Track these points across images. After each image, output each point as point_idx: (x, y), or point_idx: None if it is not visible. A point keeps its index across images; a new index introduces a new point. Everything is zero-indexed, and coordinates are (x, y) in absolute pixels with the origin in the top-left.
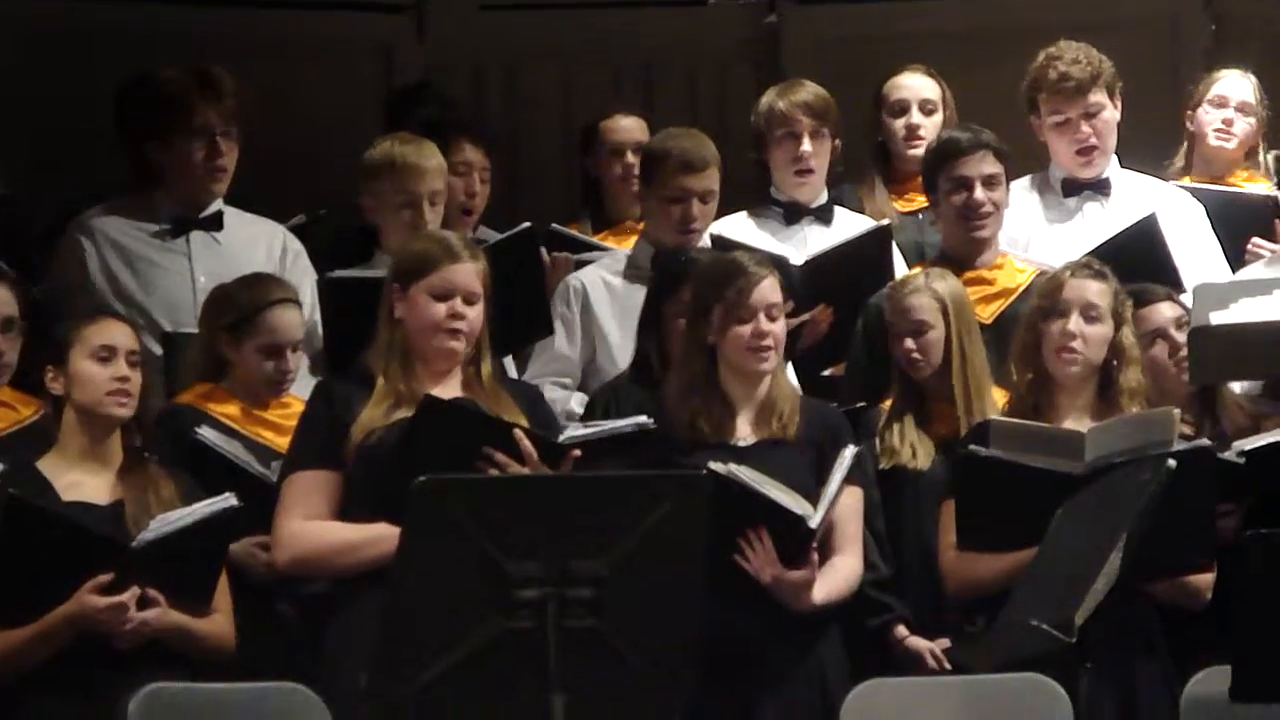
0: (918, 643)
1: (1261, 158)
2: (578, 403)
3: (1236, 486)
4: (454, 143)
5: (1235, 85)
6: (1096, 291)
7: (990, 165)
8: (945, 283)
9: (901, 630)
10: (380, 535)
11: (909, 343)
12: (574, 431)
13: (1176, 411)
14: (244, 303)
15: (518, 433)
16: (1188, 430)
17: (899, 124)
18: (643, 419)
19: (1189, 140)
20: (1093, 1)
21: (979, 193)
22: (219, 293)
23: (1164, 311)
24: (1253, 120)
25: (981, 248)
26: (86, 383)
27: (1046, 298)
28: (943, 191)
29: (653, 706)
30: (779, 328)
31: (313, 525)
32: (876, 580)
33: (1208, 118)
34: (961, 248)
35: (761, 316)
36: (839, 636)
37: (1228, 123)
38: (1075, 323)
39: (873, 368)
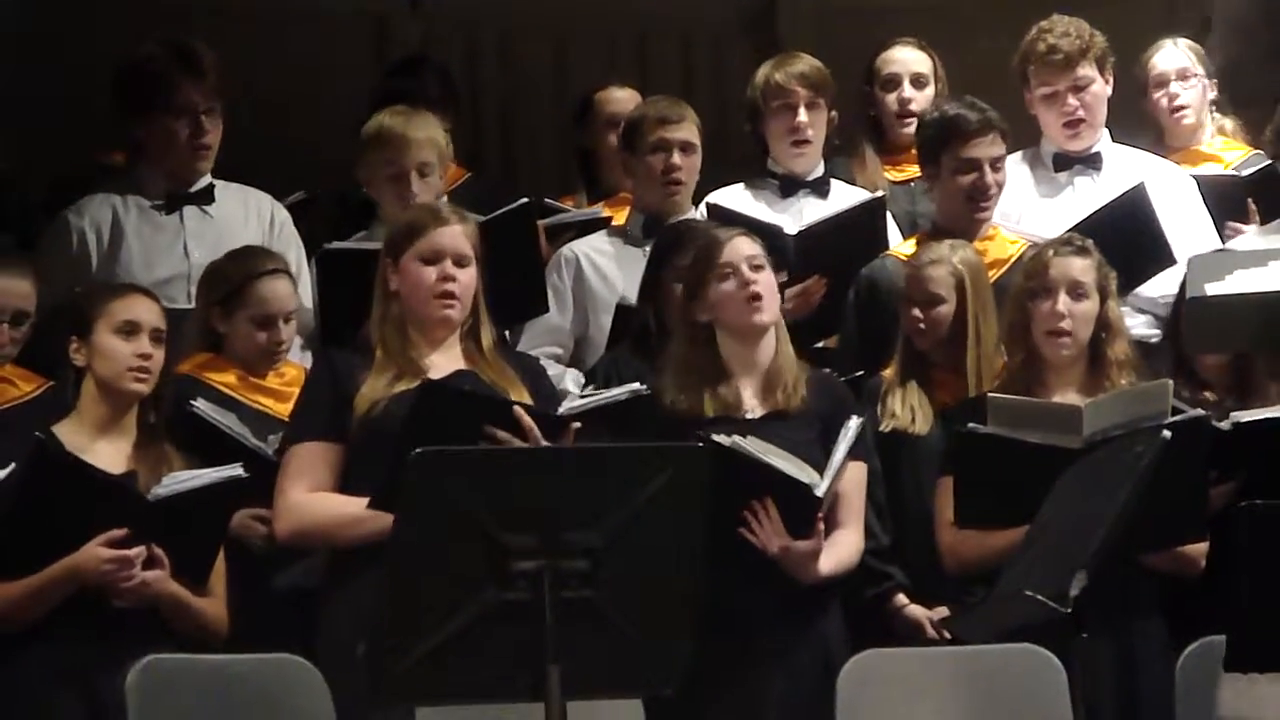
0: (916, 611)
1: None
2: (572, 380)
3: (1224, 456)
4: None
5: (1168, 58)
6: (1081, 268)
7: (998, 147)
8: (967, 255)
9: (900, 599)
10: (371, 521)
11: (917, 312)
12: (571, 403)
13: (1170, 383)
14: (233, 276)
15: (517, 409)
16: (1210, 396)
17: (891, 98)
18: (637, 385)
19: (1155, 122)
20: None
21: (989, 176)
22: (211, 268)
23: None
24: (1196, 83)
25: (980, 226)
26: (108, 357)
27: (1032, 278)
28: (947, 169)
29: (649, 677)
30: (765, 278)
31: (315, 497)
32: (875, 549)
33: (1158, 99)
34: (958, 224)
35: (744, 268)
36: (840, 609)
37: (1173, 97)
38: (1063, 302)
39: (864, 340)
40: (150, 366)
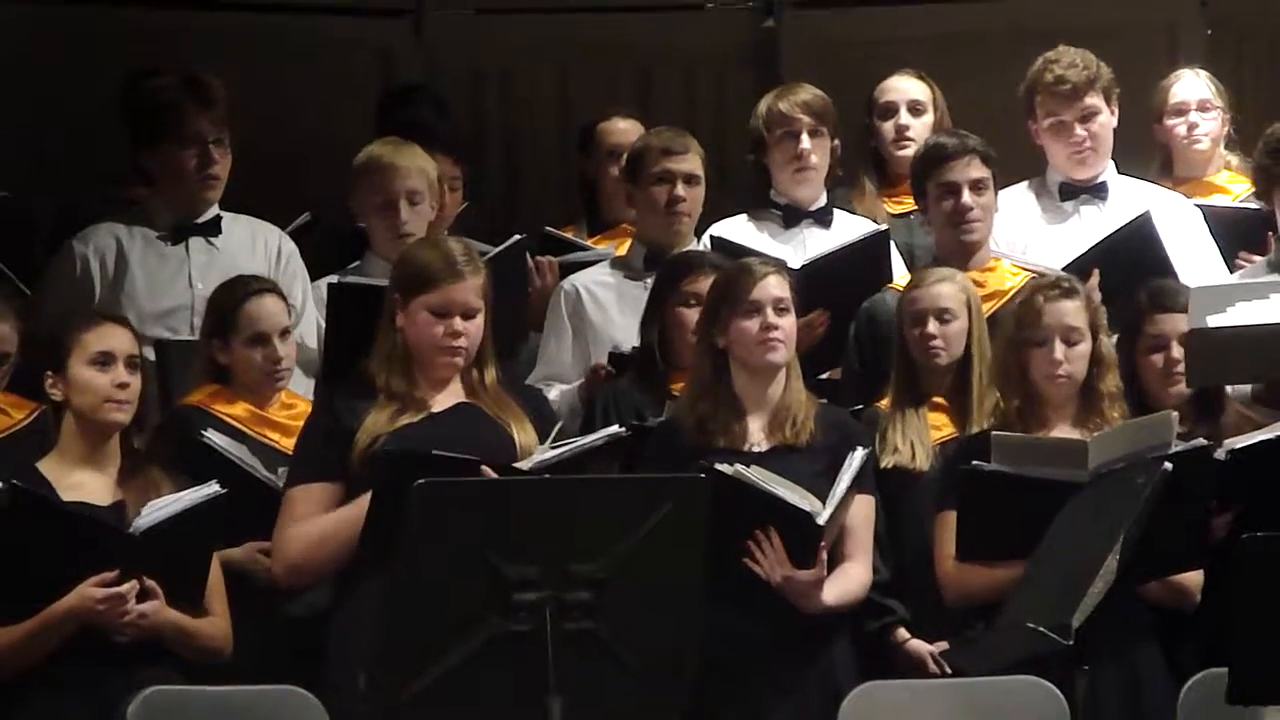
0: (918, 646)
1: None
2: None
3: (1224, 485)
4: None
5: (1190, 87)
6: (1073, 312)
7: (977, 170)
8: (965, 280)
9: (902, 633)
10: (350, 512)
11: (933, 326)
12: (540, 456)
13: (1175, 414)
14: (222, 305)
15: (484, 467)
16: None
17: (888, 126)
18: (615, 429)
19: (1162, 151)
20: (1090, 6)
21: (967, 197)
22: (207, 304)
23: (1177, 324)
24: (1216, 114)
25: (972, 251)
26: (85, 390)
27: (1026, 327)
28: (931, 197)
29: (650, 709)
30: (788, 323)
31: (296, 528)
32: (876, 583)
33: (1174, 126)
34: (953, 252)
35: (769, 310)
36: (850, 641)
37: (1192, 126)
38: (1059, 350)
39: (865, 374)
40: (128, 395)
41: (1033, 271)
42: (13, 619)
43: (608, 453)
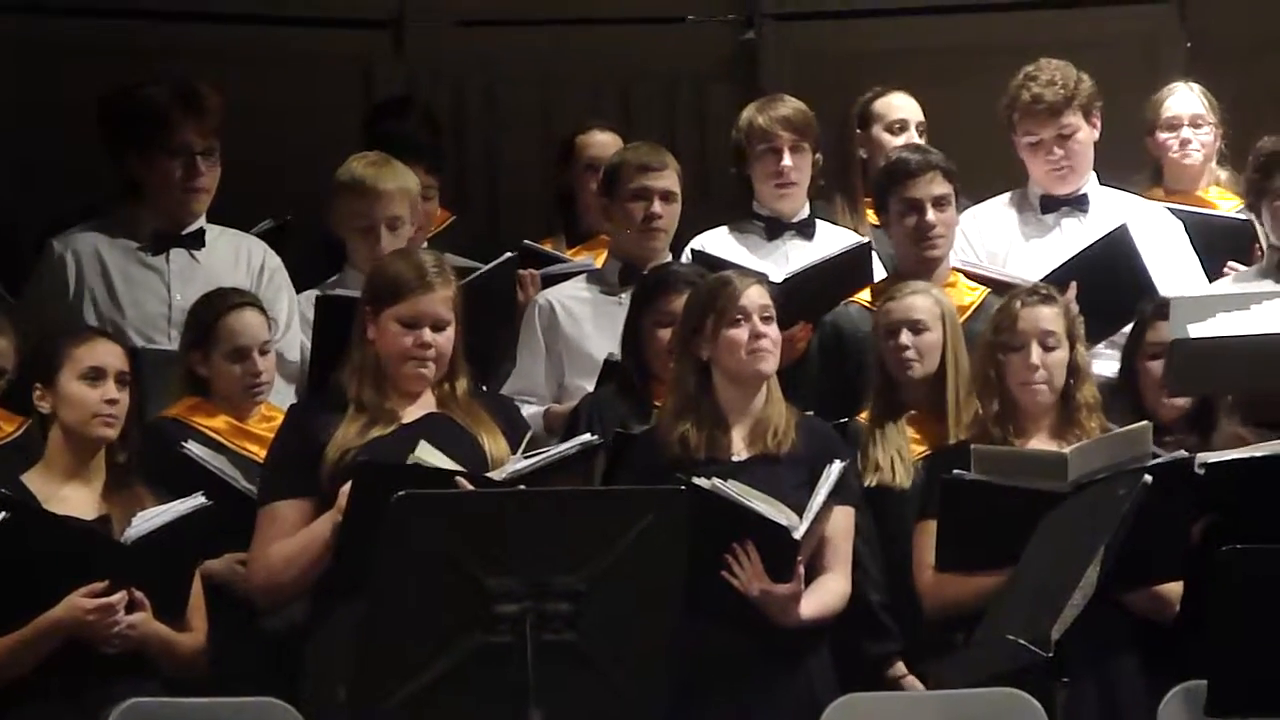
0: (913, 683)
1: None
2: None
3: (1200, 498)
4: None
5: (1183, 101)
6: (1050, 318)
7: (940, 186)
8: (941, 294)
9: (899, 668)
10: (318, 528)
11: (905, 337)
12: (514, 466)
13: (1150, 425)
14: (203, 317)
15: (458, 479)
16: (1169, 439)
17: (898, 142)
18: (587, 437)
19: (1153, 163)
20: (1070, 19)
21: (930, 215)
22: (187, 315)
23: None
24: (1209, 129)
25: (933, 266)
26: (74, 404)
27: (1003, 331)
28: (894, 212)
29: None
30: (774, 330)
31: (269, 547)
32: (883, 604)
33: (1166, 140)
34: (914, 267)
35: (756, 319)
36: (828, 654)
37: (1185, 141)
38: (1036, 354)
39: (830, 386)
40: (116, 411)
41: (1001, 281)
42: (0, 629)
43: (580, 461)
